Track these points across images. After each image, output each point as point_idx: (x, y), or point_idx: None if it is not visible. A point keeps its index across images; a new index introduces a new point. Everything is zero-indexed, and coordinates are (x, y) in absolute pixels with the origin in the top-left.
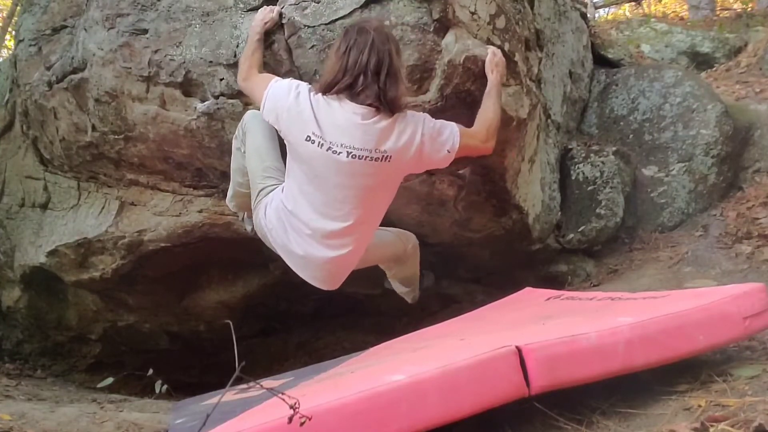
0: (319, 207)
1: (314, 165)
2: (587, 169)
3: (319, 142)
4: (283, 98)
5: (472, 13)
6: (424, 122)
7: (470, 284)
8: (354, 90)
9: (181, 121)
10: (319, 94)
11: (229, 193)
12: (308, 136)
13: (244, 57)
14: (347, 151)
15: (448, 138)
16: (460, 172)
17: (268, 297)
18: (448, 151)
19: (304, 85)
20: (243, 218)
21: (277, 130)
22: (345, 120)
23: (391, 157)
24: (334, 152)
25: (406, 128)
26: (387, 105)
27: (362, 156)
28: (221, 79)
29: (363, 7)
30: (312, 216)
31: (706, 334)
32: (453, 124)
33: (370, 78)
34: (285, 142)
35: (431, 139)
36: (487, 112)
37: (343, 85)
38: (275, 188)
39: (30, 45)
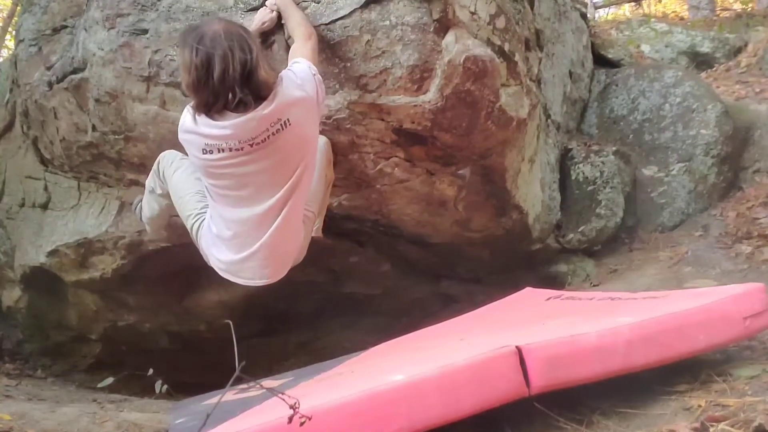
0: (248, 203)
1: (226, 171)
2: (587, 169)
3: (218, 148)
4: (182, 120)
5: (472, 13)
6: (294, 75)
7: (470, 284)
8: (228, 107)
9: None
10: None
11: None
12: (203, 149)
13: None
14: (249, 144)
15: (308, 69)
16: (460, 172)
17: (268, 297)
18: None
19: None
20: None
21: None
22: (231, 123)
23: (288, 120)
24: (238, 150)
25: (283, 91)
26: (262, 98)
27: (263, 139)
28: None
29: (363, 7)
30: (244, 216)
31: (706, 334)
32: (299, 59)
33: (239, 91)
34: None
35: (315, 82)
36: (292, 24)
37: (218, 107)
38: (203, 216)
39: (30, 45)
